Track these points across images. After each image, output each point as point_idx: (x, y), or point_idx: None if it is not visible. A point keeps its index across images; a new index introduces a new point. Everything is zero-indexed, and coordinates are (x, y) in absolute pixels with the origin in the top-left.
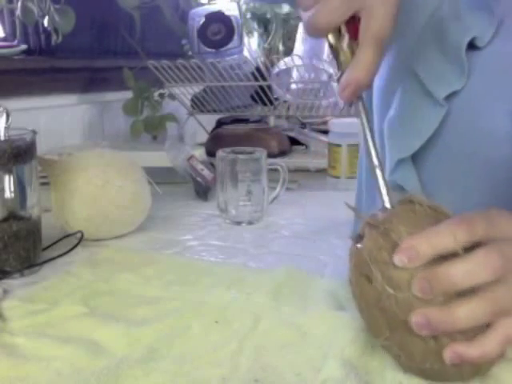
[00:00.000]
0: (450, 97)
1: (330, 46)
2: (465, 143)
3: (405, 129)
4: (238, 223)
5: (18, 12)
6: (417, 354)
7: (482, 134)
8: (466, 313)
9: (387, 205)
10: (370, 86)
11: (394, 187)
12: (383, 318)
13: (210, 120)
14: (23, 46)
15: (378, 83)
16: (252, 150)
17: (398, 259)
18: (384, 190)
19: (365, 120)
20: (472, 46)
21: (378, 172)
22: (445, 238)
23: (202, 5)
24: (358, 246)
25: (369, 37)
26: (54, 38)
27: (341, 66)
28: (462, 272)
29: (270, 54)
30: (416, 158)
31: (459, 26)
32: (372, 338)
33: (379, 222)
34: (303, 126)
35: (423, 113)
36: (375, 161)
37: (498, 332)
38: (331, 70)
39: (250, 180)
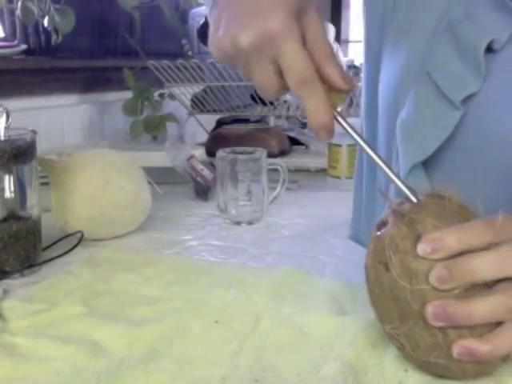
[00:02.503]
0: (465, 100)
1: None
2: (480, 147)
3: (419, 133)
4: (238, 223)
5: (18, 12)
6: (423, 346)
7: (498, 137)
8: (483, 307)
9: (412, 198)
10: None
11: (379, 188)
12: (395, 307)
13: (210, 120)
14: (23, 46)
15: (386, 84)
16: (252, 149)
17: (421, 248)
18: (402, 185)
19: (350, 130)
20: (488, 48)
21: (388, 170)
22: (471, 235)
23: (202, 5)
24: (380, 232)
25: (296, 85)
26: (53, 37)
27: None
28: (483, 264)
29: None
30: (428, 162)
31: (475, 28)
32: (379, 325)
33: (406, 211)
34: (303, 126)
35: (438, 116)
36: (380, 163)
37: (509, 331)
38: None
39: (250, 180)
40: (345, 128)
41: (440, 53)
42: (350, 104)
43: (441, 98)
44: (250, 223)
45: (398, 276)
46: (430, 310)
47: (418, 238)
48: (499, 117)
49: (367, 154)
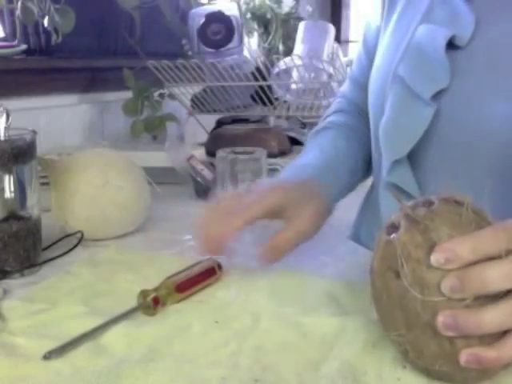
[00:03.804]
0: (438, 96)
1: None
2: (461, 137)
3: (397, 131)
4: None
5: (18, 12)
6: (428, 354)
7: (477, 124)
8: (493, 317)
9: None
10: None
11: (391, 188)
12: (402, 315)
13: (210, 120)
14: (23, 46)
15: (371, 88)
16: (252, 149)
17: (435, 259)
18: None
19: None
20: (454, 45)
21: None
22: (485, 244)
23: (202, 5)
24: (391, 237)
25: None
26: (53, 37)
27: None
28: (495, 275)
29: (270, 54)
30: (413, 157)
31: (434, 27)
32: (379, 325)
33: (420, 218)
34: (303, 125)
35: (413, 114)
36: None
37: None
38: (331, 70)
39: (250, 180)
40: None
41: (407, 53)
42: None
43: (413, 98)
44: None
45: (410, 285)
46: (440, 320)
47: (431, 247)
48: (474, 107)
49: None
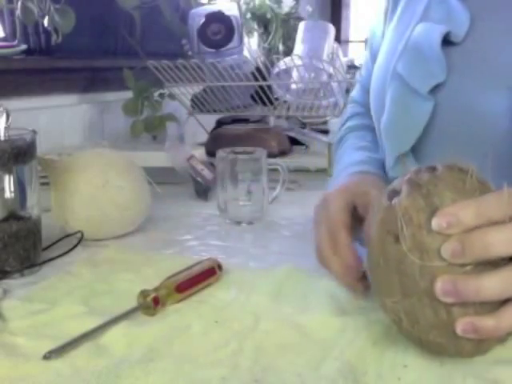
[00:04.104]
0: (436, 90)
1: None
2: (462, 128)
3: (398, 127)
4: (238, 223)
5: (18, 12)
6: (423, 323)
7: (478, 115)
8: (494, 283)
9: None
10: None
11: (402, 157)
12: (399, 281)
13: (210, 120)
14: (23, 46)
15: (372, 86)
16: (252, 149)
17: (436, 223)
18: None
19: None
20: (450, 42)
21: None
22: (489, 209)
23: (202, 5)
24: (392, 201)
25: None
26: (53, 37)
27: None
28: (499, 239)
29: (270, 54)
30: (414, 152)
31: (431, 25)
32: (377, 296)
33: (424, 182)
34: (303, 125)
35: (412, 110)
36: None
37: None
38: (331, 70)
39: (250, 180)
40: None
41: (404, 51)
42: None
43: (411, 93)
44: (250, 223)
45: (409, 250)
46: (439, 285)
47: (433, 212)
48: (470, 101)
49: None
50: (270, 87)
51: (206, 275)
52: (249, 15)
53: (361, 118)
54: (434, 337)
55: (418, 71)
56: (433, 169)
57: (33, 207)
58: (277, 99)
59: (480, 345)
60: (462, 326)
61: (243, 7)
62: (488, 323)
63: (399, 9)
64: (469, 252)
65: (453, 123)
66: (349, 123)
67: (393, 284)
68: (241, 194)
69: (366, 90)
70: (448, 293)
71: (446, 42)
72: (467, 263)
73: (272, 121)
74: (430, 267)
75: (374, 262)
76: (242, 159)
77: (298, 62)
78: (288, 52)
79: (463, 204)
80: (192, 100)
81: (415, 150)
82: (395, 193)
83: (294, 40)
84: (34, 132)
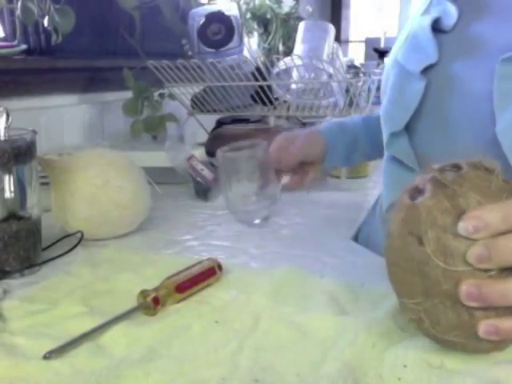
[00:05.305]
0: (429, 72)
1: None
2: (452, 107)
3: (394, 107)
4: (245, 222)
5: (18, 12)
6: (444, 324)
7: (467, 94)
8: None
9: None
10: None
11: (395, 160)
12: (421, 283)
13: (210, 120)
14: (23, 46)
15: (383, 75)
16: (251, 144)
17: (463, 227)
18: None
19: None
20: (441, 31)
21: None
22: None
23: (202, 5)
24: (415, 200)
25: None
26: (53, 37)
27: None
28: None
29: (270, 54)
30: (408, 130)
31: (426, 16)
32: (398, 297)
33: (448, 182)
34: (303, 125)
35: (406, 90)
36: None
37: None
38: (331, 70)
39: (254, 177)
40: None
41: (406, 42)
42: (350, 104)
43: (407, 75)
44: (256, 222)
45: (432, 253)
46: (463, 289)
47: (459, 215)
48: (459, 77)
49: None
50: (269, 87)
51: (205, 275)
52: (249, 15)
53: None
54: (455, 337)
55: (413, 56)
56: (457, 167)
57: (33, 207)
58: (277, 99)
59: (498, 343)
60: (484, 328)
61: (243, 7)
62: (510, 325)
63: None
64: (495, 257)
65: (444, 102)
66: None
67: (414, 285)
68: (250, 192)
69: None
70: (472, 297)
71: (438, 31)
72: (492, 268)
73: (272, 121)
74: (454, 271)
75: (393, 260)
76: (242, 156)
77: (298, 61)
78: (288, 52)
79: (490, 208)
80: (192, 100)
81: (409, 129)
82: (418, 191)
83: (294, 40)
84: (34, 132)
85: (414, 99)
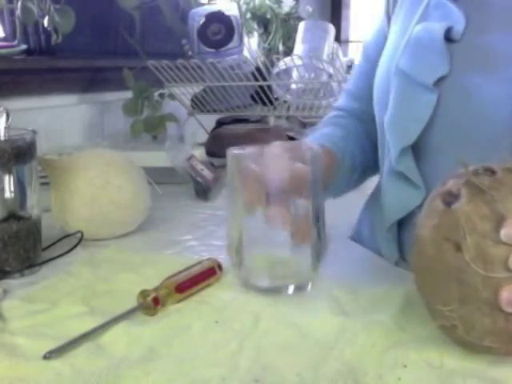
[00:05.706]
0: (439, 83)
1: None
2: (464, 119)
3: (402, 120)
4: (268, 289)
5: (18, 12)
6: (479, 330)
7: (479, 105)
8: None
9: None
10: None
11: (399, 176)
12: (458, 290)
13: (210, 120)
14: (23, 46)
15: (376, 86)
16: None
17: (506, 233)
18: None
19: None
20: (450, 40)
21: None
22: None
23: (202, 5)
24: (451, 206)
25: None
26: (53, 37)
27: None
28: None
29: (270, 54)
30: (417, 144)
31: (431, 23)
32: (428, 304)
33: (485, 187)
34: (303, 125)
35: (416, 102)
36: None
37: None
38: (331, 70)
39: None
40: None
41: (408, 49)
42: None
43: (415, 86)
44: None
45: (471, 260)
46: (504, 295)
47: (499, 221)
48: (472, 93)
49: None
50: (269, 87)
51: (206, 275)
52: (249, 15)
53: (339, 116)
54: (489, 342)
55: (421, 65)
56: (491, 171)
57: (33, 207)
58: (277, 99)
59: None
60: None
61: (243, 7)
62: None
63: (401, 12)
64: None
65: (456, 114)
66: (325, 119)
67: (450, 292)
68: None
69: (354, 98)
70: None
71: (445, 39)
72: None
73: (272, 121)
74: (495, 278)
75: (425, 266)
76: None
77: (298, 61)
78: (288, 52)
79: None
80: (192, 100)
81: (420, 142)
82: (451, 196)
83: (294, 40)
84: (34, 132)
85: (427, 111)
